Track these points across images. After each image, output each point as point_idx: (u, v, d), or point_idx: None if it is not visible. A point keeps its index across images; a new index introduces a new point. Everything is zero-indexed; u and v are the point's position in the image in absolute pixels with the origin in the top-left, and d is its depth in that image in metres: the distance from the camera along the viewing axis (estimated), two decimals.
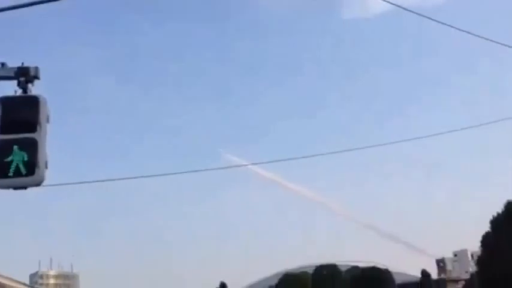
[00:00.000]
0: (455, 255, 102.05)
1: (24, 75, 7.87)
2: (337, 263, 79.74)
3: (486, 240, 58.21)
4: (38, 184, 7.64)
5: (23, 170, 7.50)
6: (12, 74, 7.87)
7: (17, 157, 7.50)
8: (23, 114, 7.68)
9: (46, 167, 7.66)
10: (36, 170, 7.54)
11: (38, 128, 7.65)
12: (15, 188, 7.60)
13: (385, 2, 12.04)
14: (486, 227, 58.06)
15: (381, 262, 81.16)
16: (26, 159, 7.52)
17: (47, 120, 7.79)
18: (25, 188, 7.65)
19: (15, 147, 7.50)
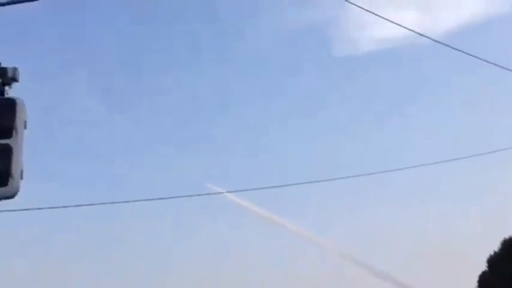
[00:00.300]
0: None
1: (1, 77, 7.14)
2: None
3: (482, 279, 57.09)
4: (12, 196, 6.83)
5: None
6: None
7: None
8: None
9: (21, 177, 6.86)
10: (10, 180, 6.74)
11: (13, 133, 6.88)
12: None
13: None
14: (483, 266, 56.98)
15: None
16: None
17: (25, 126, 7.03)
18: None
19: None
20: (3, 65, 7.21)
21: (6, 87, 7.17)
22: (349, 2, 11.40)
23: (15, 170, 6.77)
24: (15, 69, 7.22)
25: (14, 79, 7.19)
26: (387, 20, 13.45)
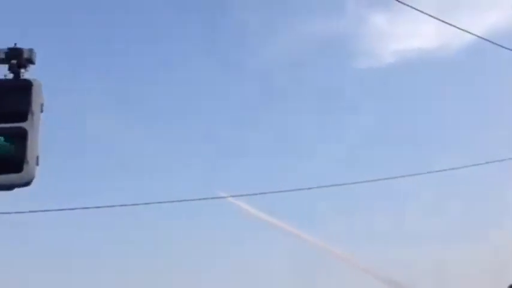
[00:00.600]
0: None
1: (16, 58, 6.70)
2: None
3: None
4: (27, 183, 6.33)
5: (8, 165, 6.22)
6: (2, 56, 6.71)
7: (2, 150, 6.24)
8: (12, 100, 6.46)
9: (37, 164, 6.37)
10: (25, 166, 6.25)
11: (29, 116, 6.41)
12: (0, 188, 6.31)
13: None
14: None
15: None
16: (12, 152, 6.26)
17: (41, 109, 6.56)
18: (11, 188, 6.34)
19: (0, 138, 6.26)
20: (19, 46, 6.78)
21: (22, 70, 6.72)
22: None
23: (30, 155, 6.29)
24: (31, 50, 6.78)
25: (30, 61, 6.74)
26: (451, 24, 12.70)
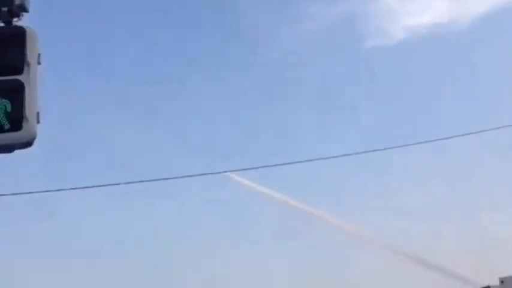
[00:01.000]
0: (502, 282, 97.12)
1: (7, 5, 5.95)
2: None
3: None
4: (28, 144, 5.63)
5: (5, 124, 5.52)
6: None
7: None
8: (4, 50, 5.72)
9: (38, 121, 5.65)
10: (24, 124, 5.55)
11: (25, 68, 5.68)
12: None
13: None
14: None
15: None
16: (9, 109, 5.55)
17: (38, 60, 5.82)
18: (11, 149, 5.64)
19: None
20: None
21: (15, 19, 5.97)
22: None
23: (29, 111, 5.57)
24: None
25: (23, 8, 5.99)
26: None
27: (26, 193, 13.94)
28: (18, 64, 5.65)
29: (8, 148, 5.58)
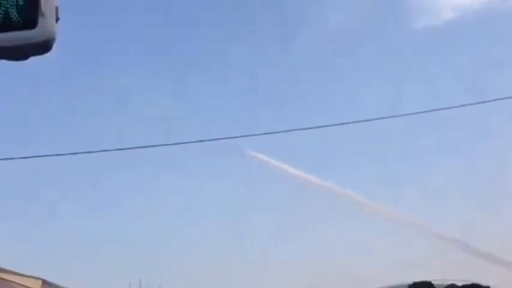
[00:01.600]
0: None
1: None
2: (432, 281, 73.53)
3: None
4: (45, 46, 4.49)
5: (16, 19, 4.39)
6: None
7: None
8: None
9: (57, 18, 4.50)
10: (40, 20, 4.41)
11: None
12: (9, 54, 4.48)
13: None
14: None
15: (478, 280, 74.46)
16: (21, 1, 4.43)
17: None
18: (23, 54, 4.51)
19: None
20: None
21: None
22: None
23: (46, 4, 4.43)
24: None
25: None
26: None
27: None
28: None
29: (20, 51, 4.44)
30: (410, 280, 74.58)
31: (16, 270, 27.73)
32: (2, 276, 26.75)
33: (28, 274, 28.46)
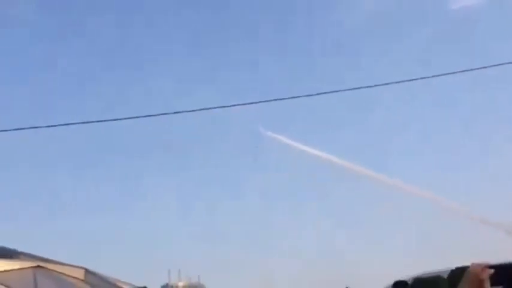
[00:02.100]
0: None
1: None
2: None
3: None
4: None
5: None
6: None
7: None
8: None
9: None
10: None
11: None
12: None
13: None
14: None
15: None
16: None
17: None
18: None
19: None
20: None
21: None
22: None
23: None
24: None
25: None
26: None
27: None
28: None
29: None
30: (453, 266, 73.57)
31: (58, 260, 28.61)
32: (46, 266, 27.65)
33: (71, 264, 29.23)
